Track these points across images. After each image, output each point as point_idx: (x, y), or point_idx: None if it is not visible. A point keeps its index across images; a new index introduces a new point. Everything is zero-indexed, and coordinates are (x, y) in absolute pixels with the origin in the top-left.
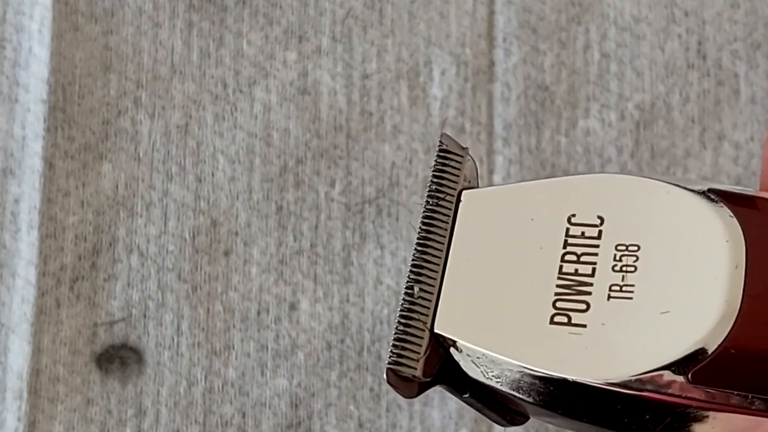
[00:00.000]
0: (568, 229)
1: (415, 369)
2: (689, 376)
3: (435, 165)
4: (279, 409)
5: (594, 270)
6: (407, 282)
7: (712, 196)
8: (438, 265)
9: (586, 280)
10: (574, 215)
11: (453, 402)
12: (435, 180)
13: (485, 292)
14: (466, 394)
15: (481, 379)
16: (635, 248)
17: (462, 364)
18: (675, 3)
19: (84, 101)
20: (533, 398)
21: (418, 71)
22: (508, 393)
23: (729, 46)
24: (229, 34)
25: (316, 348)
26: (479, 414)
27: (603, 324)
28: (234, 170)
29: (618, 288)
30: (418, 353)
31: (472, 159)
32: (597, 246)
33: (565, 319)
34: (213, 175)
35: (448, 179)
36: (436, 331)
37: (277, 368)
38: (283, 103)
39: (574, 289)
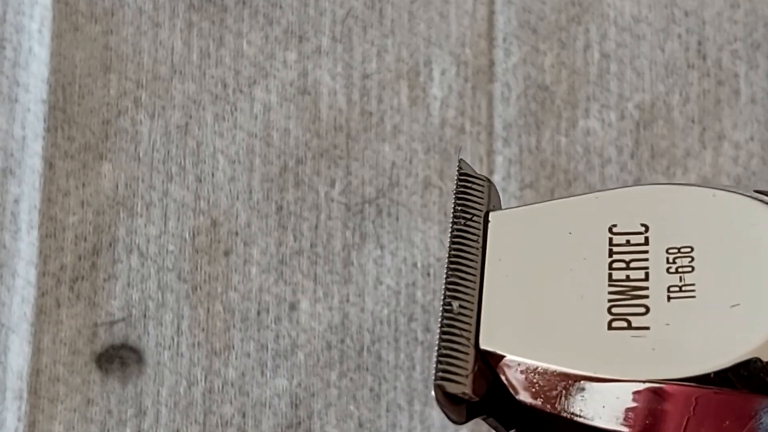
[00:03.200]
0: (611, 239)
1: (465, 385)
2: None
3: (457, 188)
4: (279, 409)
5: (647, 274)
6: (444, 300)
7: (760, 196)
8: (474, 282)
9: (640, 285)
10: (615, 225)
11: None
12: (460, 202)
13: (530, 305)
14: (512, 430)
15: (533, 401)
16: (688, 249)
17: (510, 386)
18: (675, 3)
19: (84, 101)
20: (594, 414)
21: (418, 71)
22: (563, 413)
23: (729, 46)
24: (229, 34)
25: (316, 348)
26: None
27: (667, 324)
28: (234, 170)
29: (677, 288)
30: (466, 369)
31: (495, 187)
32: (646, 252)
33: (624, 324)
34: (213, 175)
35: (473, 200)
36: (482, 347)
37: (277, 368)
38: (283, 103)
39: (628, 294)
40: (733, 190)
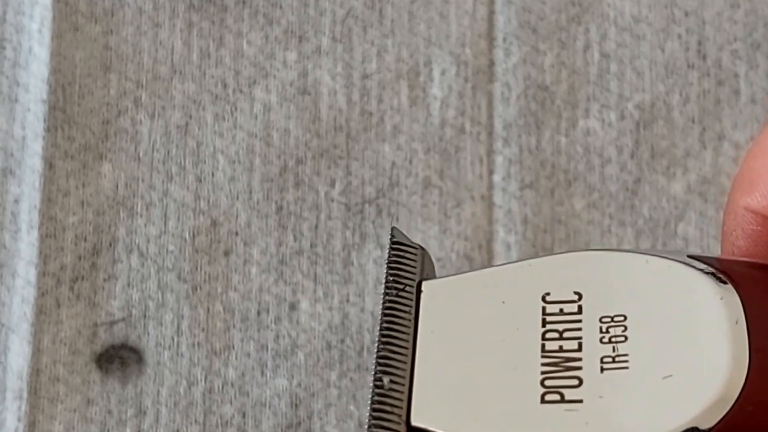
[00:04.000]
0: (544, 308)
1: None
2: None
3: (390, 257)
4: (279, 409)
5: (580, 344)
6: (375, 374)
7: (694, 262)
8: (406, 355)
9: (573, 356)
10: (548, 294)
11: None
12: (392, 271)
13: (463, 378)
14: None
15: None
16: (621, 318)
17: None
18: (675, 3)
19: (84, 101)
20: None
21: (418, 71)
22: None
23: (729, 46)
24: (229, 34)
25: (316, 348)
26: None
27: (600, 397)
28: (234, 170)
29: (611, 359)
30: None
31: (428, 254)
32: (579, 321)
33: (557, 397)
34: (213, 175)
35: (406, 269)
36: (413, 424)
37: (277, 368)
38: (283, 103)
39: (562, 366)
40: (666, 255)
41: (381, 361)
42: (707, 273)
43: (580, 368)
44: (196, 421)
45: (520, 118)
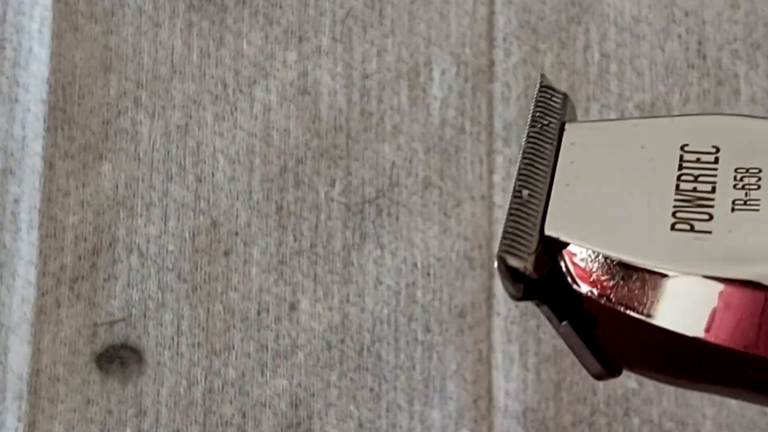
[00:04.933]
0: (681, 156)
1: (526, 261)
2: None
3: (537, 98)
4: (279, 409)
5: (714, 188)
6: (515, 187)
7: None
8: (545, 176)
9: (706, 196)
10: (687, 144)
11: (453, 402)
12: (538, 110)
13: (597, 202)
14: (564, 321)
15: (589, 290)
16: (756, 170)
17: (569, 274)
18: (675, 3)
19: (84, 101)
20: (647, 308)
21: (418, 71)
22: (617, 305)
23: (729, 46)
24: (229, 34)
25: (316, 348)
26: (479, 414)
27: (729, 231)
28: (234, 170)
29: (742, 202)
30: (529, 249)
31: (572, 102)
32: (715, 169)
33: (687, 227)
34: (213, 175)
35: (552, 110)
36: (546, 233)
37: (277, 368)
38: (283, 103)
39: (694, 203)
40: None
41: (522, 176)
42: None
43: (711, 206)
44: (196, 421)
45: (519, 117)
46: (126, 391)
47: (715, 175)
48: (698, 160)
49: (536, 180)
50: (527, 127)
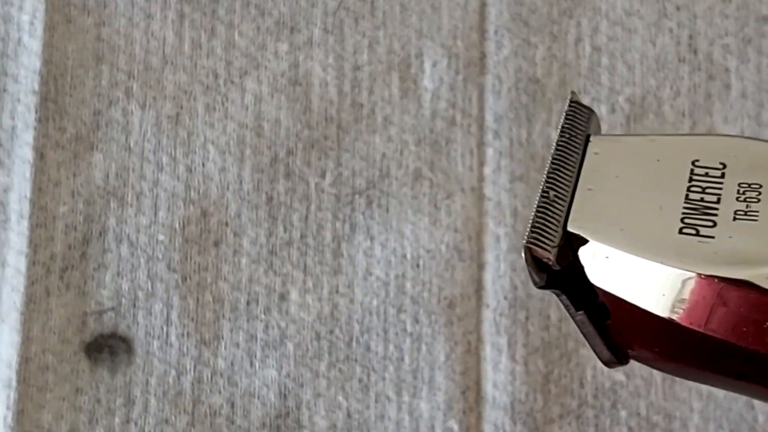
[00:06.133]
0: (692, 170)
1: (550, 254)
2: None
3: (566, 113)
4: (268, 399)
5: (719, 199)
6: (543, 188)
7: None
8: (569, 181)
9: (712, 206)
10: (697, 160)
11: (442, 393)
12: (567, 123)
13: (615, 205)
14: (581, 311)
15: (604, 283)
16: (758, 185)
17: (587, 268)
18: None
19: (75, 92)
20: (653, 301)
21: (410, 63)
22: (626, 297)
23: (720, 41)
24: (221, 25)
25: (305, 339)
26: (467, 405)
27: (730, 237)
28: (224, 161)
29: (743, 213)
30: (553, 242)
31: (597, 117)
32: (721, 183)
33: (693, 231)
34: (203, 165)
35: (578, 123)
36: (569, 229)
37: (266, 359)
38: (274, 94)
39: (701, 211)
40: None
41: (549, 179)
42: None
43: (716, 215)
44: (184, 410)
45: (510, 110)
46: (115, 380)
47: (720, 188)
48: (707, 174)
49: (562, 183)
50: (557, 137)
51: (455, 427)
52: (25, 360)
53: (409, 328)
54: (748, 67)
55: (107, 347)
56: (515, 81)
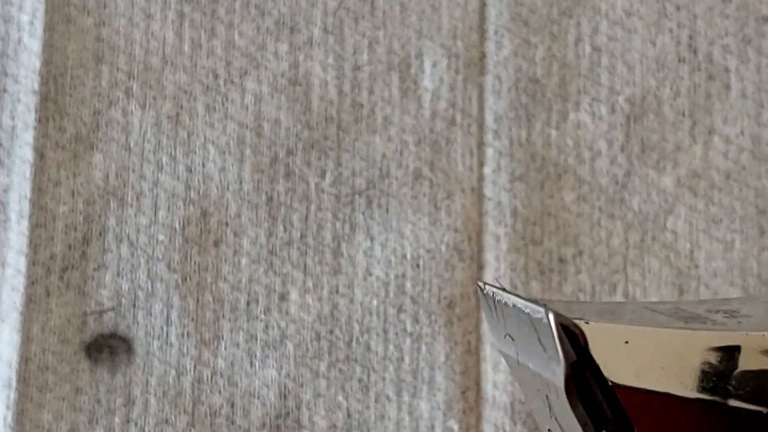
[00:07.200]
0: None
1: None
2: None
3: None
4: (268, 399)
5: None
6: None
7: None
8: None
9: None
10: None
11: (441, 393)
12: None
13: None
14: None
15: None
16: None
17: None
18: None
19: (75, 92)
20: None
21: (410, 63)
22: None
23: (720, 41)
24: (221, 25)
25: (305, 339)
26: (467, 405)
27: None
28: (224, 161)
29: None
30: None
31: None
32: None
33: None
34: (203, 165)
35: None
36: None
37: (266, 359)
38: (274, 94)
39: None
40: None
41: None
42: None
43: None
44: (184, 410)
45: (510, 110)
46: (115, 380)
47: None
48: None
49: None
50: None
51: (455, 427)
52: (25, 360)
53: (408, 328)
54: (748, 67)
55: (107, 347)
56: (515, 81)
